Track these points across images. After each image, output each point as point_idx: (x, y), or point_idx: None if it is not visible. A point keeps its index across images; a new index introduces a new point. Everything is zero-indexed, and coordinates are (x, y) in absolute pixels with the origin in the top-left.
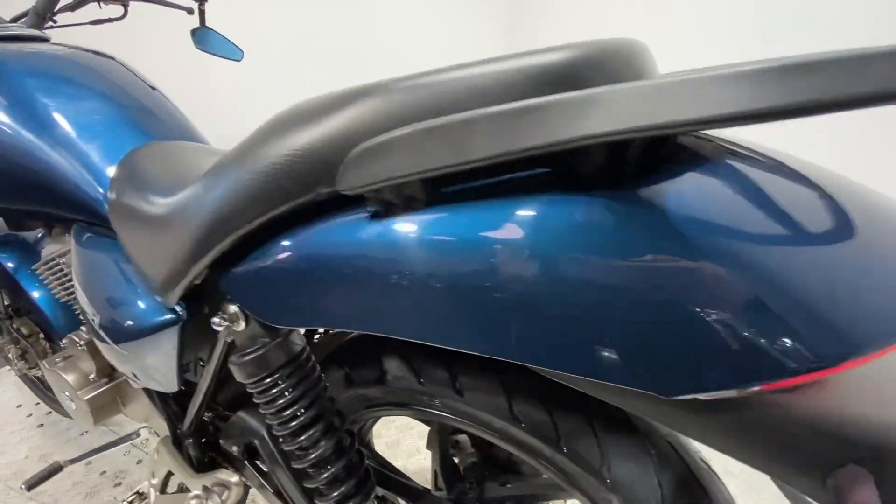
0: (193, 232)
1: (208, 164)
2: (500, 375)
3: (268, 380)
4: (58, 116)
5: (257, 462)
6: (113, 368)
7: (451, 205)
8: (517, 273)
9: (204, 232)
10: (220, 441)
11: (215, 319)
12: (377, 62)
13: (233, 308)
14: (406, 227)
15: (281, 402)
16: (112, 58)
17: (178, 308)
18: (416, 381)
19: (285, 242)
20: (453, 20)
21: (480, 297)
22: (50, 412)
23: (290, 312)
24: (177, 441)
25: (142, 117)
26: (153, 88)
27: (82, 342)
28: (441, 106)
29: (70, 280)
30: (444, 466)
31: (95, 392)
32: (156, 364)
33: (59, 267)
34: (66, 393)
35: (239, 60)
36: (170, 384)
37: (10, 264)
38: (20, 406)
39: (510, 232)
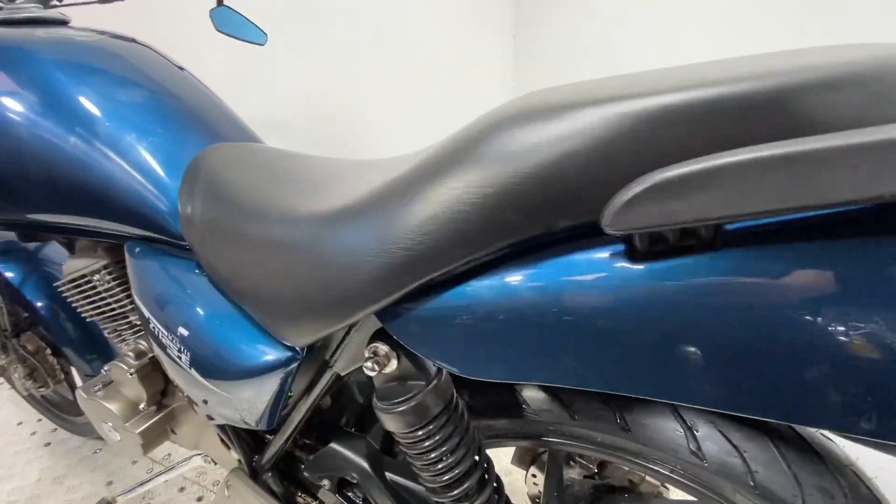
0: (366, 271)
1: (316, 174)
2: (673, 410)
3: (430, 426)
4: (101, 116)
5: (349, 495)
6: (163, 395)
7: (738, 247)
8: (835, 329)
9: (385, 272)
10: (305, 473)
11: (368, 364)
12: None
13: (384, 349)
14: (687, 271)
15: (437, 452)
16: (145, 44)
17: (298, 347)
18: (569, 417)
19: (502, 280)
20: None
21: (785, 359)
22: (55, 429)
23: (505, 365)
24: (253, 473)
25: (195, 115)
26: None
27: (132, 369)
28: (782, 123)
29: (102, 298)
30: (559, 490)
31: (148, 423)
32: (252, 401)
33: (90, 285)
34: (109, 423)
35: (262, 44)
36: (263, 422)
37: (13, 276)
38: (21, 423)
39: (821, 282)
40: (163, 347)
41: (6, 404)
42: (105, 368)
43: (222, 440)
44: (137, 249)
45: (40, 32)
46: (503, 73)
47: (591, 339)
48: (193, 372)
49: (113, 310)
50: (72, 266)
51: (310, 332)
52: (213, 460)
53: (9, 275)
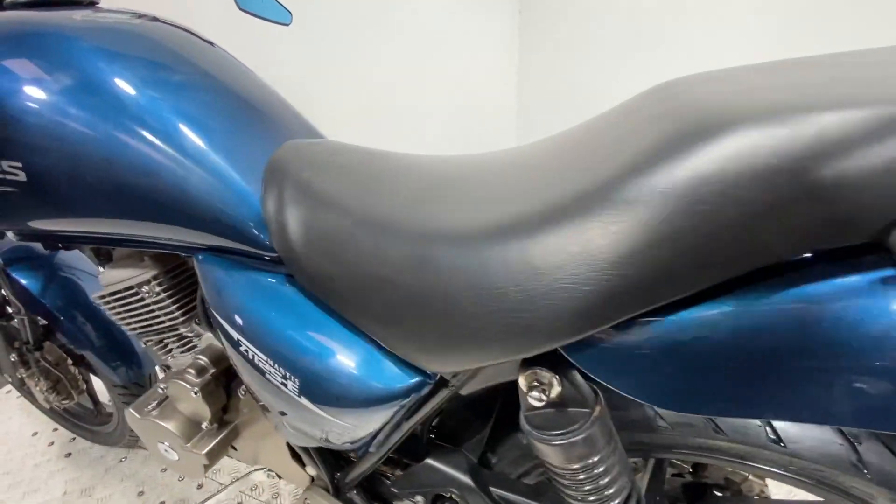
0: (566, 299)
1: (428, 175)
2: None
3: (599, 455)
4: (163, 113)
5: None
6: (225, 411)
7: None
8: None
9: (594, 301)
10: (394, 489)
11: (534, 394)
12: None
13: (547, 375)
14: None
15: (598, 479)
16: (192, 31)
17: (429, 372)
18: (713, 430)
19: (736, 308)
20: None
21: None
22: (74, 438)
23: (728, 402)
24: (335, 490)
25: (260, 110)
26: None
27: (195, 388)
28: None
29: (151, 311)
30: (660, 493)
31: (213, 442)
32: (364, 426)
33: (138, 297)
34: (166, 443)
35: (287, 24)
36: (367, 445)
37: (29, 283)
38: (36, 434)
39: None
40: (259, 372)
41: (17, 414)
42: (162, 387)
43: (295, 457)
44: (213, 261)
45: (78, 16)
46: (508, 48)
47: (851, 376)
48: (303, 399)
49: (162, 323)
50: (113, 276)
51: (465, 361)
52: (277, 475)
53: (24, 282)
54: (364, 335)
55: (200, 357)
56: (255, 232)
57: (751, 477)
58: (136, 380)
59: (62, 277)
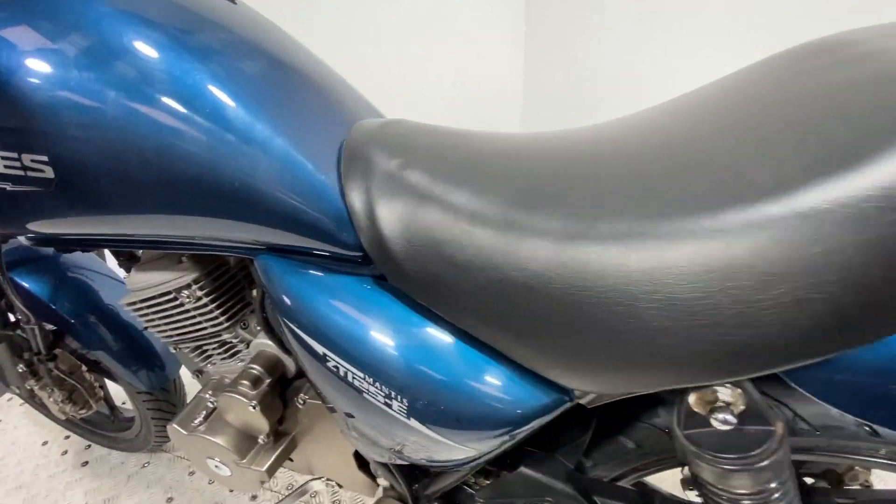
0: (816, 312)
1: (528, 156)
2: None
3: (778, 482)
4: (214, 90)
5: None
6: (280, 421)
7: None
8: None
9: (855, 313)
10: (479, 499)
11: (720, 416)
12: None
13: (733, 394)
14: None
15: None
16: None
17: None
18: (867, 433)
19: None
20: None
21: None
22: (89, 445)
23: None
24: (414, 501)
25: (318, 84)
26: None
27: (253, 401)
28: None
29: (192, 317)
30: None
31: (273, 457)
32: (474, 448)
33: (176, 302)
34: (217, 459)
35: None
36: (467, 463)
37: (35, 287)
38: (46, 443)
39: None
40: (354, 391)
41: (23, 422)
42: (210, 401)
43: (363, 467)
44: (280, 263)
45: None
46: (514, 31)
47: None
48: (413, 421)
49: (203, 329)
50: (145, 280)
51: (637, 383)
52: (336, 484)
53: (29, 286)
54: (484, 346)
55: (254, 366)
56: (337, 228)
57: (857, 467)
58: (161, 384)
59: (71, 279)
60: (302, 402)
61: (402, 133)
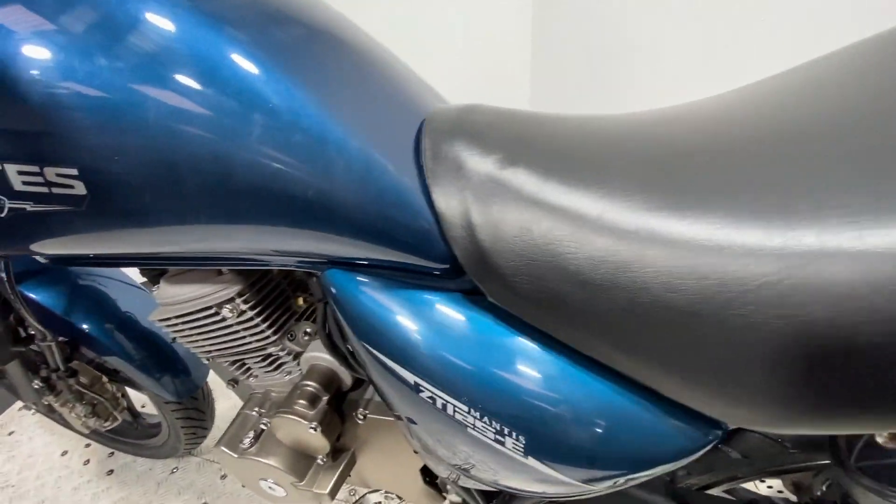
0: None
1: (645, 145)
2: None
3: None
4: (278, 83)
5: None
6: (337, 437)
7: None
8: None
9: None
10: None
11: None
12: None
13: None
14: None
15: None
16: None
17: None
18: None
19: None
20: None
21: None
22: (112, 453)
23: None
24: None
25: (380, 68)
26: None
27: (313, 422)
28: None
29: (234, 332)
30: None
31: (335, 476)
32: (601, 485)
33: (218, 317)
34: (270, 480)
35: None
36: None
37: (45, 299)
38: (66, 453)
39: None
40: (458, 424)
41: (38, 433)
42: (264, 422)
43: (429, 482)
44: (352, 279)
45: None
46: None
47: None
48: (531, 460)
49: (247, 344)
50: (179, 294)
51: (846, 425)
52: (397, 496)
53: (40, 298)
54: (617, 374)
55: (308, 383)
56: (423, 238)
57: None
58: (189, 393)
59: (84, 287)
60: (362, 416)
61: (488, 122)
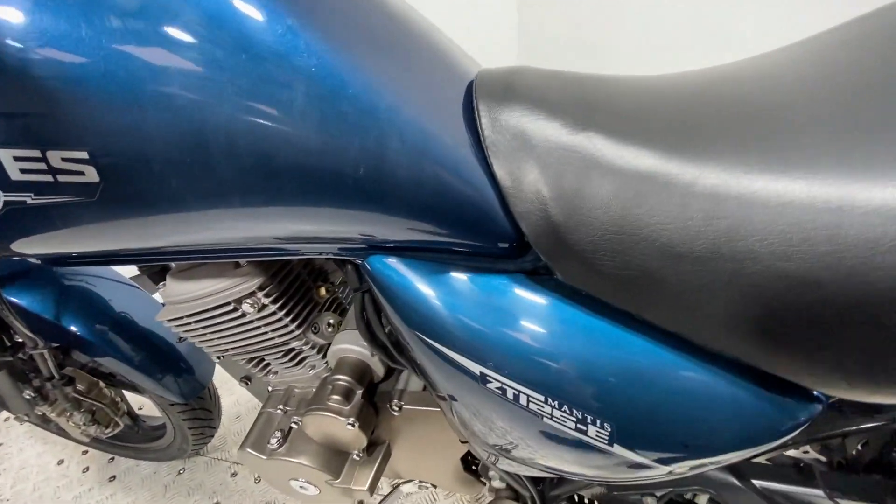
0: None
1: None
2: None
3: None
4: (317, 53)
5: None
6: (372, 431)
7: None
8: None
9: None
10: (615, 493)
11: None
12: None
13: None
14: None
15: None
16: None
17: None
18: None
19: None
20: None
21: None
22: (112, 458)
23: None
24: (541, 501)
25: (423, 32)
26: None
27: (351, 418)
28: None
29: (255, 328)
30: None
31: (371, 474)
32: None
33: (237, 314)
34: (302, 479)
35: None
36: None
37: (34, 304)
38: (62, 461)
39: None
40: (532, 415)
41: (28, 443)
42: (295, 420)
43: (469, 469)
44: (405, 266)
45: None
46: None
47: None
48: (617, 448)
49: (269, 340)
50: (190, 291)
51: None
52: (432, 485)
53: (25, 303)
54: (705, 351)
55: (340, 377)
56: (486, 216)
57: None
58: (195, 394)
59: (72, 288)
60: (397, 408)
61: (543, 85)
